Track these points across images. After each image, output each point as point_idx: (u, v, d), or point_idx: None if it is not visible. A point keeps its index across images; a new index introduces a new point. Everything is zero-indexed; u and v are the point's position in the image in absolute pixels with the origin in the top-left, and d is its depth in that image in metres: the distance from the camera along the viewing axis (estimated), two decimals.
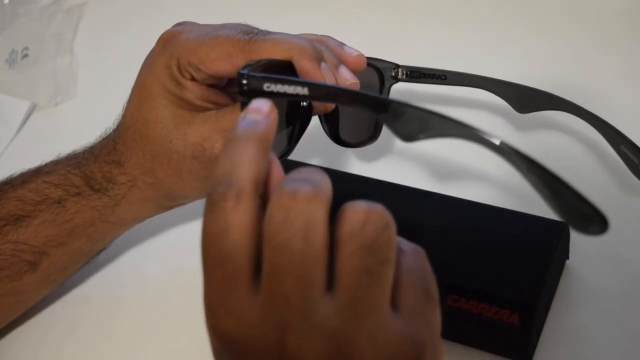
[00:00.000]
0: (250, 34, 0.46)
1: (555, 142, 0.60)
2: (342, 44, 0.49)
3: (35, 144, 0.71)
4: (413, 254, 0.32)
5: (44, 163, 0.53)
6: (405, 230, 0.32)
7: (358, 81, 0.46)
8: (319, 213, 0.30)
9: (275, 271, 0.30)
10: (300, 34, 0.48)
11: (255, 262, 0.30)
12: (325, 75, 0.45)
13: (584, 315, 0.49)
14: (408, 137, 0.35)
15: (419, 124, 0.35)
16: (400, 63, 0.54)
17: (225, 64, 0.46)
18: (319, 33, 0.49)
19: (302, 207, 0.30)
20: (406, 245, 0.32)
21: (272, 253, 0.30)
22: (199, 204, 0.60)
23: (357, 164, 0.61)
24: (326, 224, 0.30)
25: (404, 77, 0.54)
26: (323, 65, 0.45)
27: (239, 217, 0.30)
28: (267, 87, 0.37)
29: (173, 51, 0.47)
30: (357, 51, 0.49)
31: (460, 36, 0.70)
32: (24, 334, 0.56)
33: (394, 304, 0.31)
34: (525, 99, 0.55)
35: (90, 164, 0.51)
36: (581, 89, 0.63)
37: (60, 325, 0.56)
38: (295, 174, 0.31)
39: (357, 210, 0.30)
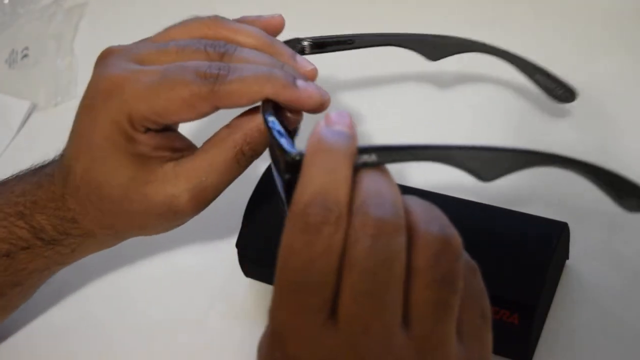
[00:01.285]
0: (210, 77, 0.41)
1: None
2: (294, 53, 0.45)
3: (35, 144, 0.71)
4: (472, 273, 0.32)
5: None
6: None
7: (324, 94, 0.42)
8: (402, 241, 0.29)
9: (358, 298, 0.29)
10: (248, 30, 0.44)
11: (337, 288, 0.29)
12: (308, 91, 0.41)
13: (584, 315, 0.49)
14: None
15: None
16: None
17: (189, 114, 0.42)
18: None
19: (390, 233, 0.29)
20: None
21: (357, 278, 0.29)
22: None
23: None
24: (405, 253, 0.29)
25: (310, 49, 0.50)
26: (300, 83, 0.41)
27: (335, 244, 0.29)
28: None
29: (121, 106, 0.42)
30: (311, 64, 0.45)
31: (461, 35, 0.70)
32: (24, 335, 0.56)
33: (457, 329, 0.31)
34: (435, 47, 0.55)
35: (36, 215, 0.47)
36: (581, 89, 0.63)
37: (60, 325, 0.56)
38: (373, 193, 0.30)
39: (435, 240, 0.29)
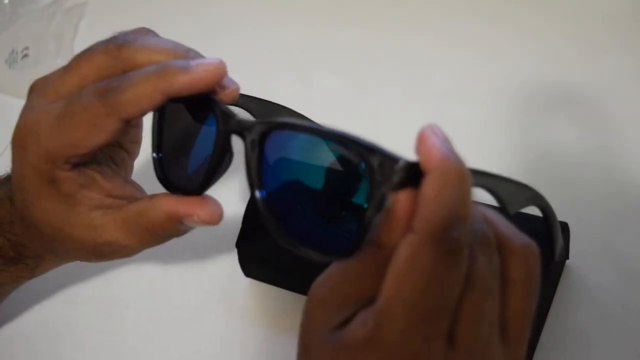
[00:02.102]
0: (106, 92, 0.39)
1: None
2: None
3: None
4: None
5: None
6: None
7: (218, 61, 0.40)
8: (497, 255, 0.30)
9: (478, 319, 0.29)
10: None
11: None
12: (202, 65, 0.39)
13: (584, 315, 0.49)
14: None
15: None
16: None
17: (100, 135, 0.40)
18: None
19: (493, 250, 0.30)
20: None
21: (477, 298, 0.29)
22: None
23: None
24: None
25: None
26: (192, 62, 0.39)
27: (464, 270, 0.29)
28: None
29: (36, 149, 0.41)
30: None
31: (460, 37, 0.70)
32: (23, 335, 0.56)
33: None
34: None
35: None
36: (581, 89, 0.63)
37: (60, 326, 0.56)
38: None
39: (535, 253, 0.31)
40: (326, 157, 0.36)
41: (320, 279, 0.32)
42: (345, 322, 0.31)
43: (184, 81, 0.38)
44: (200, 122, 0.41)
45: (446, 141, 0.30)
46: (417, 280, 0.28)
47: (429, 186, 0.29)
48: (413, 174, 0.31)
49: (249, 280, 0.55)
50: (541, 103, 0.61)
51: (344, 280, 0.32)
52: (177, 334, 0.54)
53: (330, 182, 0.35)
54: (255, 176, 0.37)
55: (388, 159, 0.32)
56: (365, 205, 0.32)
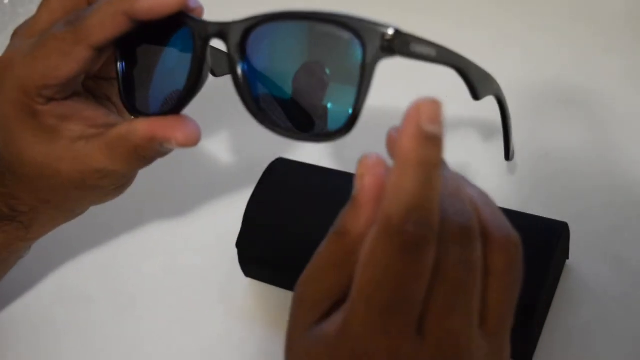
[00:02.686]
0: (74, 21, 0.40)
1: None
2: None
3: None
4: None
5: None
6: None
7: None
8: (480, 246, 0.30)
9: (447, 309, 0.29)
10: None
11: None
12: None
13: (584, 315, 0.49)
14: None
15: None
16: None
17: (71, 64, 0.41)
18: None
19: (474, 240, 0.29)
20: None
21: (449, 290, 0.29)
22: (196, 205, 0.60)
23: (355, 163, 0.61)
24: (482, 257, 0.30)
25: None
26: None
27: (432, 261, 0.28)
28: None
29: (13, 82, 0.42)
30: None
31: (460, 36, 0.70)
32: (23, 334, 0.55)
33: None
34: None
35: None
36: (581, 89, 0.63)
37: (59, 325, 0.56)
38: (449, 196, 0.29)
39: (512, 244, 0.30)
40: (310, 38, 0.37)
41: (300, 277, 0.32)
42: (323, 317, 0.31)
43: (145, 3, 0.38)
44: (168, 43, 0.42)
45: (437, 123, 0.28)
46: (373, 274, 0.28)
47: (390, 175, 0.28)
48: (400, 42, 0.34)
49: (249, 280, 0.55)
50: (541, 103, 0.61)
51: (315, 274, 0.31)
52: (177, 333, 0.54)
53: (319, 57, 0.36)
54: (244, 81, 0.38)
55: (373, 25, 0.35)
56: (358, 72, 0.35)
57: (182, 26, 0.40)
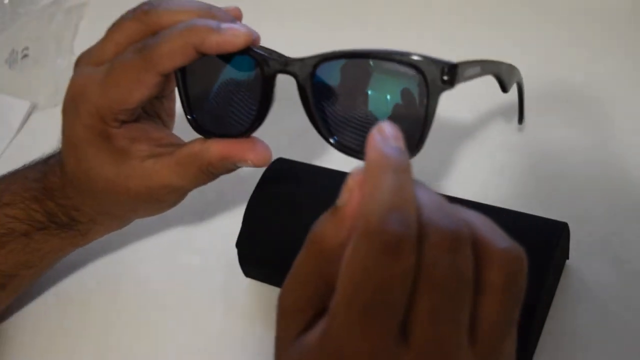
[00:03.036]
0: (143, 49, 0.44)
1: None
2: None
3: (35, 144, 0.71)
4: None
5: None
6: None
7: (250, 30, 0.43)
8: (471, 256, 0.29)
9: (434, 317, 0.28)
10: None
11: (408, 308, 0.28)
12: (232, 29, 0.42)
13: (584, 315, 0.49)
14: None
15: None
16: None
17: (142, 90, 0.44)
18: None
19: (464, 250, 0.28)
20: None
21: (438, 299, 0.28)
22: (196, 205, 0.60)
23: (355, 163, 0.61)
24: (474, 267, 0.29)
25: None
26: (224, 25, 0.43)
27: (413, 263, 0.27)
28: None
29: (88, 108, 0.45)
30: (234, 7, 0.47)
31: (460, 36, 0.70)
32: (21, 334, 0.56)
33: None
34: None
35: (47, 201, 0.50)
36: (581, 89, 0.63)
37: (59, 325, 0.56)
38: (435, 207, 0.29)
39: (513, 256, 0.30)
40: (374, 74, 0.42)
41: (280, 290, 0.32)
42: (307, 327, 0.30)
43: (215, 40, 0.42)
44: (232, 69, 0.45)
45: (390, 138, 0.30)
46: (353, 275, 0.28)
47: (367, 181, 0.29)
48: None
49: (249, 280, 0.55)
50: (541, 103, 0.61)
51: (294, 284, 0.31)
52: (177, 333, 0.54)
53: (383, 94, 0.39)
54: (314, 106, 0.42)
55: (434, 62, 0.38)
56: (424, 103, 0.39)
57: (247, 56, 0.43)
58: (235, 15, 0.46)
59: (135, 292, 0.57)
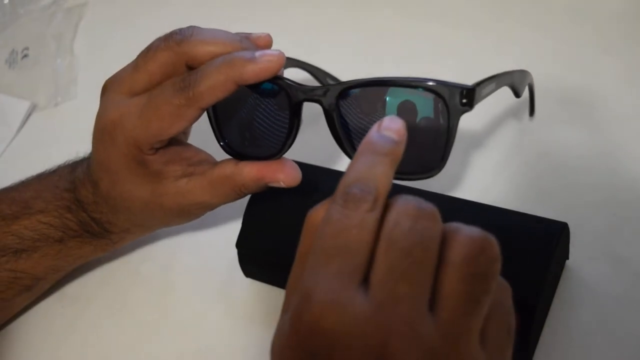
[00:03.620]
0: (185, 88, 0.45)
1: None
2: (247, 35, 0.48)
3: (35, 144, 0.71)
4: (505, 291, 0.34)
5: (27, 188, 0.54)
6: None
7: (278, 53, 0.46)
8: (438, 230, 0.32)
9: (393, 273, 0.31)
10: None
11: (369, 263, 0.31)
12: (266, 56, 0.44)
13: (584, 315, 0.49)
14: None
15: None
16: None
17: (181, 123, 0.46)
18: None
19: (428, 220, 0.32)
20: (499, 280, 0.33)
21: (394, 255, 0.31)
22: None
23: None
24: (440, 243, 0.32)
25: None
26: (257, 53, 0.45)
27: (370, 221, 0.32)
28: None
29: (125, 139, 0.47)
30: (263, 33, 0.48)
31: (460, 36, 0.70)
32: (22, 334, 0.56)
33: (482, 335, 0.32)
34: None
35: (81, 212, 0.52)
36: (581, 89, 0.63)
37: (59, 325, 0.56)
38: (404, 196, 0.33)
39: (475, 238, 0.32)
40: (395, 99, 0.45)
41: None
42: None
43: (252, 70, 0.44)
44: (264, 98, 0.48)
45: (384, 128, 0.35)
46: (319, 226, 0.32)
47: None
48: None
49: (249, 280, 0.55)
50: (541, 103, 0.61)
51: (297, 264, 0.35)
52: (177, 333, 0.54)
53: (406, 118, 0.40)
54: (342, 131, 0.46)
55: (452, 87, 0.43)
56: (445, 125, 0.44)
57: (274, 83, 0.46)
58: (267, 42, 0.48)
59: (135, 292, 0.57)
